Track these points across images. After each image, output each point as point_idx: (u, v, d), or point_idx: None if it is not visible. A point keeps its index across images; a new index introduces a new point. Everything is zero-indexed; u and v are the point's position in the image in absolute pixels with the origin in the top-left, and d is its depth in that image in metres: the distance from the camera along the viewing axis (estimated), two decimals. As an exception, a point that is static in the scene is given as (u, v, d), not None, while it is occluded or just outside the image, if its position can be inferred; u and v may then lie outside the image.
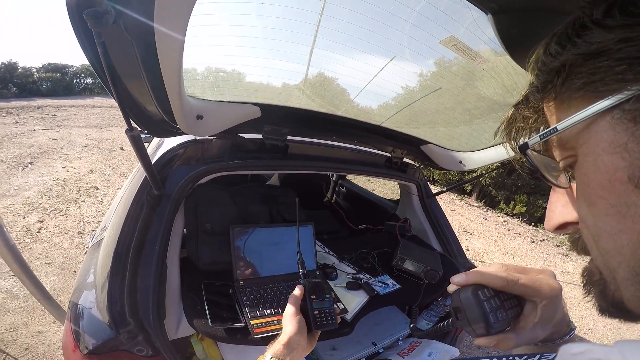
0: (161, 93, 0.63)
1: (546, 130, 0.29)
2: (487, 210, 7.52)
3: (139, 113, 0.81)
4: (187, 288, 1.05)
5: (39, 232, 3.01)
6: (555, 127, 0.27)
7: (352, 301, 1.20)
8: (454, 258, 1.71)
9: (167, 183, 1.09)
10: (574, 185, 0.30)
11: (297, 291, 0.80)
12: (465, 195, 8.41)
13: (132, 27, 0.47)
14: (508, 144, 0.36)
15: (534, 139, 0.30)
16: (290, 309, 0.74)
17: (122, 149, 6.17)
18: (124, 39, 0.49)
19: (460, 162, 1.64)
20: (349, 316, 1.13)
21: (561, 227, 0.33)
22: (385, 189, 5.41)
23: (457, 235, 1.86)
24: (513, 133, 0.35)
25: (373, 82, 1.08)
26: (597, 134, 0.24)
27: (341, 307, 1.14)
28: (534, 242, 5.74)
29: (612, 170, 0.24)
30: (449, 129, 1.52)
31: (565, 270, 4.68)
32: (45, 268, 2.54)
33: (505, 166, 1.80)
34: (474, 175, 4.34)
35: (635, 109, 0.22)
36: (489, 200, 8.29)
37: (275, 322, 1.00)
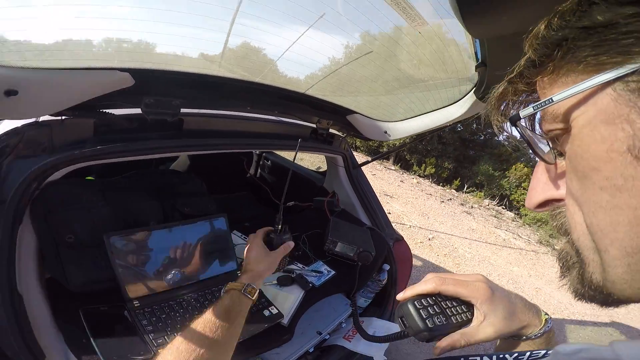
0: None
1: (541, 101, 0.28)
2: (402, 173, 8.14)
3: None
4: (63, 318, 0.80)
5: None
6: (551, 98, 0.27)
7: (287, 300, 1.05)
8: (382, 230, 1.71)
9: (1, 185, 0.74)
10: (559, 162, 0.30)
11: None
12: (384, 160, 8.95)
13: None
14: (494, 119, 0.34)
15: (527, 110, 0.30)
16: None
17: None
18: None
19: (386, 132, 1.60)
20: (285, 320, 0.99)
21: (542, 205, 0.32)
22: (312, 158, 5.33)
23: (379, 198, 1.86)
24: (503, 107, 0.34)
25: (300, 51, 0.98)
26: (595, 105, 0.24)
27: (274, 311, 0.98)
28: (443, 201, 6.42)
29: (610, 141, 0.23)
30: (375, 98, 1.46)
31: (470, 227, 5.36)
32: None
33: (429, 135, 1.84)
34: (398, 144, 4.53)
35: (638, 81, 0.22)
36: (404, 163, 9.01)
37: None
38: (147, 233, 0.92)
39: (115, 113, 0.83)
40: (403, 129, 1.55)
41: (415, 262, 3.41)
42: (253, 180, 2.34)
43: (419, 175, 8.42)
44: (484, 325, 0.47)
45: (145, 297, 0.89)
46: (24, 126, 0.76)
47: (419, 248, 3.90)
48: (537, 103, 0.28)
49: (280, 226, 1.00)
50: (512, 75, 0.32)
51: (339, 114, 1.48)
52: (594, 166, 0.24)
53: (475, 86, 1.08)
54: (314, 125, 1.51)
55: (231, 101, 1.05)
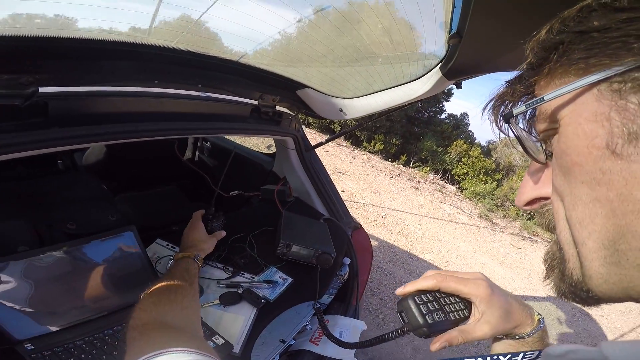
0: None
1: (533, 100, 0.29)
2: (354, 150, 8.18)
3: None
4: None
5: None
6: (542, 97, 0.28)
7: (235, 323, 0.85)
8: (339, 220, 1.57)
9: None
10: (549, 162, 0.32)
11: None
12: (335, 137, 8.90)
13: None
14: (494, 120, 0.35)
15: (520, 108, 0.31)
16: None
17: None
18: None
19: (341, 110, 1.44)
20: (237, 349, 0.80)
21: (531, 203, 0.34)
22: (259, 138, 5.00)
23: (332, 177, 1.74)
24: (502, 108, 0.35)
25: (245, 25, 0.84)
26: (581, 105, 0.26)
27: (220, 342, 0.77)
28: (392, 177, 6.58)
29: (590, 137, 0.25)
30: (329, 70, 1.29)
31: (419, 203, 5.54)
32: None
33: (387, 113, 1.73)
34: (354, 124, 4.42)
35: (621, 82, 0.23)
36: (355, 140, 9.07)
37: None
38: (16, 263, 0.63)
39: None
40: (361, 106, 1.40)
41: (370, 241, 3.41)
42: (188, 166, 2.00)
43: (369, 152, 8.54)
44: (481, 323, 0.48)
45: (39, 337, 0.65)
46: None
47: (373, 227, 3.91)
48: (530, 101, 0.30)
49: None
50: (512, 78, 0.34)
51: (287, 88, 1.28)
52: (576, 161, 0.26)
53: (442, 60, 0.98)
54: (256, 102, 1.26)
55: (122, 73, 0.74)
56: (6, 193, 0.73)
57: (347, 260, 1.34)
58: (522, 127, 0.33)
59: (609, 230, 0.24)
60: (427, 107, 10.09)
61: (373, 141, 8.79)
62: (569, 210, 0.27)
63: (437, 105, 10.08)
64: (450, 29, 0.81)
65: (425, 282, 0.51)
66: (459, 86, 1.11)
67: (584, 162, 0.25)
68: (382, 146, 8.64)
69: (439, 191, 6.84)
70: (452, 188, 7.66)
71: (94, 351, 0.67)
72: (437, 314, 0.47)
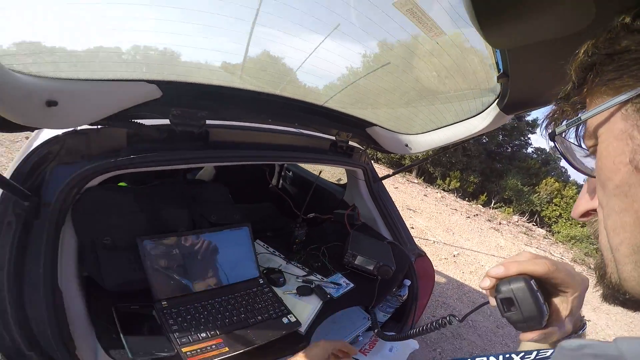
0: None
1: (572, 120, 0.32)
2: (426, 187, 7.97)
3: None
4: (97, 313, 0.85)
5: None
6: (579, 117, 0.31)
7: (305, 309, 1.06)
8: (403, 245, 1.68)
9: (45, 189, 0.81)
10: None
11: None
12: (406, 173, 8.81)
13: None
14: (547, 136, 0.36)
15: (561, 127, 0.33)
16: None
17: None
18: None
19: (407, 145, 1.58)
20: (303, 328, 1.00)
21: (585, 215, 0.34)
22: (332, 169, 5.36)
23: (402, 213, 1.83)
24: (552, 126, 0.36)
25: (317, 63, 0.99)
26: (613, 123, 0.28)
27: (293, 319, 0.99)
28: (469, 217, 6.22)
29: (617, 153, 0.27)
30: (395, 110, 1.45)
31: (498, 245, 5.13)
32: None
33: (451, 148, 1.81)
34: (420, 158, 4.48)
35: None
36: (428, 177, 8.82)
37: (214, 346, 0.83)
38: (176, 238, 0.98)
39: (145, 123, 0.89)
40: (424, 141, 1.53)
41: (438, 278, 3.31)
42: (275, 190, 2.39)
43: (443, 189, 8.22)
44: (570, 319, 0.44)
45: (172, 298, 0.93)
46: (64, 134, 0.83)
47: (443, 265, 3.77)
48: (569, 121, 0.32)
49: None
50: (560, 97, 0.34)
51: (358, 126, 1.48)
52: (608, 176, 0.28)
53: (498, 97, 1.06)
54: (333, 138, 1.52)
55: (253, 113, 1.10)
56: (175, 190, 1.12)
57: (408, 282, 1.45)
58: (576, 143, 0.35)
59: (637, 237, 0.26)
60: (510, 140, 9.31)
61: (448, 178, 8.44)
62: (605, 220, 0.29)
63: (522, 138, 9.27)
64: (498, 69, 0.87)
65: (534, 266, 0.44)
66: (520, 119, 1.19)
67: (613, 177, 0.27)
68: (458, 184, 8.22)
69: (524, 234, 6.19)
70: (541, 231, 6.83)
71: (205, 313, 0.93)
72: (546, 305, 0.43)
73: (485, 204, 7.92)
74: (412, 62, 1.00)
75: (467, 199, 8.03)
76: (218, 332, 0.88)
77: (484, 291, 0.48)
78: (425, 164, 8.61)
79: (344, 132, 1.51)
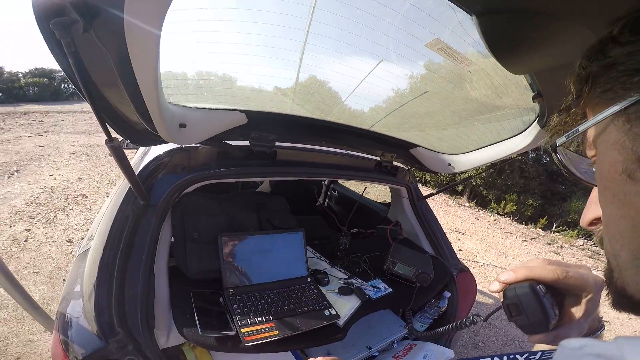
0: (140, 102, 0.61)
1: (570, 131, 0.32)
2: (478, 210, 7.59)
3: (120, 122, 0.79)
4: (177, 297, 1.04)
5: (26, 241, 2.94)
6: (577, 129, 0.31)
7: (344, 306, 1.19)
8: (445, 260, 1.71)
9: (152, 192, 1.07)
10: None
11: None
12: (457, 196, 8.47)
13: (103, 36, 0.45)
14: (549, 146, 0.38)
15: (561, 139, 0.34)
16: None
17: (111, 155, 6.06)
18: (97, 47, 0.47)
19: (450, 164, 1.65)
20: (341, 321, 1.13)
21: (592, 224, 0.35)
22: (377, 191, 5.43)
23: (449, 235, 1.87)
24: (554, 137, 0.38)
25: (363, 85, 1.08)
26: (608, 134, 0.28)
27: (333, 312, 1.13)
28: (525, 240, 5.80)
29: (611, 163, 0.27)
30: (438, 132, 1.53)
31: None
32: (33, 277, 2.48)
33: (494, 166, 1.83)
34: (464, 177, 4.38)
35: (631, 113, 0.25)
36: (480, 200, 8.37)
37: (267, 329, 0.99)
38: (247, 236, 1.20)
39: (230, 143, 1.13)
40: (467, 160, 1.59)
41: (485, 299, 3.17)
42: (322, 208, 2.58)
43: (498, 213, 7.74)
44: (581, 321, 0.44)
45: (238, 287, 1.14)
46: (173, 150, 1.10)
47: (494, 289, 3.58)
48: (568, 133, 0.33)
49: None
50: (561, 108, 0.36)
51: (402, 147, 1.59)
52: (606, 185, 0.29)
53: (538, 116, 1.11)
54: (379, 158, 1.65)
55: (310, 137, 1.30)
56: (247, 199, 1.37)
57: (447, 294, 1.50)
58: (580, 154, 0.35)
59: (635, 243, 0.27)
60: None
61: (503, 202, 7.94)
62: (605, 227, 0.30)
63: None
64: (533, 90, 0.92)
65: (544, 272, 0.44)
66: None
67: (610, 186, 0.28)
68: (515, 207, 7.69)
69: (590, 257, 5.58)
70: None
71: (262, 301, 1.10)
72: (555, 310, 0.43)
73: (545, 228, 7.28)
74: (453, 86, 1.07)
75: (524, 222, 7.48)
76: (271, 318, 1.03)
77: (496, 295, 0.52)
78: (478, 187, 8.22)
79: (389, 153, 1.63)
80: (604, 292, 0.34)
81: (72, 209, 3.71)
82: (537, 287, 0.43)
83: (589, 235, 7.06)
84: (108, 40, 0.46)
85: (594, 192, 0.35)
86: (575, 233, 7.05)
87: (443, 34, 0.81)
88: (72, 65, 0.45)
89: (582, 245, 6.39)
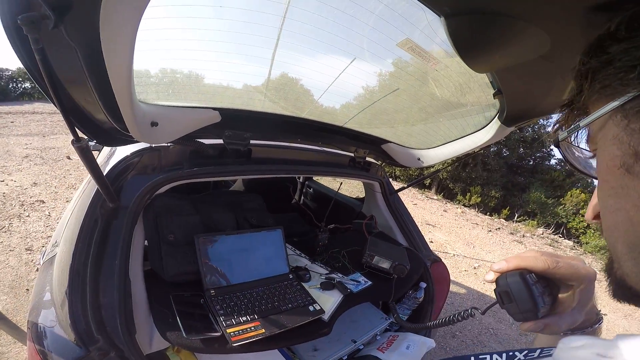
0: (110, 100, 0.59)
1: (572, 127, 0.33)
2: (446, 203, 7.92)
3: (87, 122, 0.75)
4: (156, 301, 1.01)
5: (-22, 251, 2.71)
6: (578, 124, 0.32)
7: (328, 301, 1.21)
8: (419, 251, 1.77)
9: (122, 194, 1.02)
10: None
11: None
12: (426, 190, 8.79)
13: (74, 32, 0.43)
14: (552, 141, 0.39)
15: (563, 134, 0.35)
16: None
17: (68, 157, 5.68)
18: (65, 44, 0.45)
19: (419, 159, 1.72)
20: (326, 316, 1.14)
21: (596, 217, 0.35)
22: (351, 187, 5.51)
23: (420, 228, 1.93)
24: (557, 131, 0.38)
25: (335, 83, 1.10)
26: (607, 129, 0.29)
27: (317, 308, 1.15)
28: (490, 230, 6.14)
29: (610, 158, 0.28)
30: (407, 128, 1.58)
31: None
32: (-7, 288, 2.30)
33: (460, 160, 1.92)
34: (431, 170, 4.57)
35: (628, 109, 0.26)
36: (447, 193, 8.75)
37: (252, 328, 0.98)
38: (225, 236, 1.18)
39: (203, 142, 1.10)
40: (435, 155, 1.66)
41: (458, 289, 3.34)
42: (298, 205, 2.58)
43: (464, 205, 8.13)
44: (575, 311, 0.45)
45: (219, 288, 1.12)
46: (142, 150, 1.06)
47: (464, 277, 3.78)
48: (569, 128, 0.34)
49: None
50: (563, 104, 0.36)
51: (374, 143, 1.63)
52: (605, 178, 0.30)
53: (498, 112, 1.17)
54: (352, 154, 1.69)
55: (285, 134, 1.31)
56: (223, 198, 1.34)
57: (423, 285, 1.56)
58: (583, 148, 0.35)
59: (630, 235, 0.27)
60: (532, 152, 9.02)
61: (469, 194, 8.35)
62: (603, 219, 0.31)
63: (543, 150, 8.96)
64: (494, 87, 0.96)
65: (534, 262, 0.45)
66: (522, 130, 1.28)
67: (609, 179, 0.29)
68: (479, 199, 8.11)
69: (550, 245, 6.03)
70: (568, 242, 6.61)
71: (245, 300, 1.09)
72: (545, 298, 0.44)
73: (508, 218, 7.77)
74: (421, 84, 1.11)
75: (488, 213, 7.91)
76: (256, 317, 1.03)
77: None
78: (444, 180, 8.57)
79: (362, 149, 1.67)
80: (606, 286, 0.33)
81: (28, 215, 3.44)
82: (527, 276, 0.44)
83: (547, 225, 7.60)
84: (79, 36, 0.44)
85: (596, 188, 0.35)
86: (535, 222, 7.56)
87: (413, 34, 0.85)
88: (39, 62, 0.43)
89: (542, 234, 6.86)
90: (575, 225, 7.61)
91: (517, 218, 7.75)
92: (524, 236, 6.31)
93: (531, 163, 9.31)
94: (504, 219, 7.67)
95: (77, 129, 0.64)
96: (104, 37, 0.41)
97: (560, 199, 7.98)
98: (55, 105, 0.54)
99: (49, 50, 0.44)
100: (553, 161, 9.19)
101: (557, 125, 0.38)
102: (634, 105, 0.26)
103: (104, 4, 0.37)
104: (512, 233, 6.32)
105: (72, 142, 0.64)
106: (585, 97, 0.31)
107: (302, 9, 0.77)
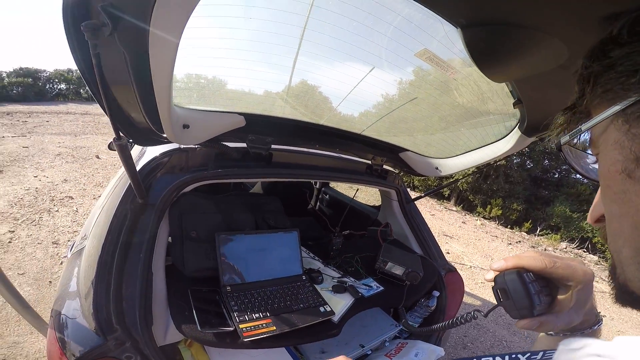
0: (150, 103, 0.64)
1: (573, 131, 0.33)
2: (465, 214, 7.75)
3: (126, 122, 0.82)
4: (174, 295, 1.05)
5: (10, 242, 2.88)
6: (580, 128, 0.32)
7: (338, 304, 1.23)
8: (433, 260, 1.76)
9: (151, 192, 1.09)
10: None
11: None
12: (444, 200, 8.63)
13: (126, 39, 0.49)
14: (555, 145, 0.39)
15: (565, 138, 0.35)
16: None
17: (97, 157, 5.97)
18: (116, 49, 0.51)
19: (437, 168, 1.71)
20: (335, 318, 1.16)
21: (598, 221, 0.35)
22: (367, 195, 5.50)
23: (437, 239, 1.92)
24: (559, 135, 0.38)
25: (354, 91, 1.12)
26: (609, 134, 0.29)
27: (328, 309, 1.17)
28: (510, 244, 5.96)
29: (612, 162, 0.28)
30: (426, 137, 1.58)
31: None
32: (18, 279, 2.44)
33: (480, 171, 1.89)
34: (450, 180, 4.49)
35: (629, 113, 0.26)
36: (467, 204, 8.54)
37: (264, 325, 1.01)
38: (243, 236, 1.23)
39: (228, 145, 1.16)
40: (454, 164, 1.65)
41: (473, 301, 3.26)
42: (313, 210, 2.62)
43: (484, 217, 7.92)
44: (572, 311, 0.45)
45: (235, 285, 1.17)
46: (171, 150, 1.12)
47: (479, 289, 3.69)
48: (571, 132, 0.34)
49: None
50: (566, 107, 0.36)
51: (392, 151, 1.64)
52: (607, 183, 0.30)
53: (519, 121, 1.17)
54: (369, 162, 1.71)
55: (304, 140, 1.35)
56: (244, 199, 1.40)
57: (436, 293, 1.56)
58: (586, 152, 0.35)
59: (635, 240, 0.27)
60: (557, 165, 8.68)
61: (489, 206, 8.13)
62: (608, 224, 0.31)
63: None
64: (514, 97, 0.96)
65: (532, 262, 0.46)
66: (542, 140, 1.21)
67: (611, 184, 0.29)
68: (500, 212, 7.88)
69: (573, 263, 5.75)
70: (593, 257, 6.29)
71: (259, 298, 1.13)
72: (542, 297, 0.45)
73: (530, 232, 7.48)
74: (440, 93, 1.11)
75: (509, 226, 7.67)
76: (268, 314, 1.06)
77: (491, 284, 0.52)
78: (464, 192, 8.39)
79: (379, 157, 1.68)
80: (609, 290, 0.33)
81: (57, 210, 3.64)
82: (525, 274, 0.45)
83: (571, 239, 7.27)
84: (130, 42, 0.49)
85: (599, 191, 0.35)
86: (558, 237, 7.25)
87: (431, 45, 0.87)
88: (95, 66, 0.49)
89: (565, 249, 6.59)
90: (600, 240, 7.03)
91: (539, 232, 7.45)
92: (545, 250, 6.09)
93: (556, 176, 8.92)
94: (526, 232, 7.40)
95: (119, 129, 0.70)
96: (152, 44, 0.46)
97: (586, 213, 7.55)
98: (102, 105, 0.60)
99: (103, 55, 0.50)
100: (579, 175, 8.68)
101: (560, 128, 0.38)
102: (635, 109, 0.26)
103: (154, 15, 0.42)
104: (533, 247, 6.12)
105: (114, 139, 0.70)
106: (587, 101, 0.31)
107: (322, 21, 0.81)
